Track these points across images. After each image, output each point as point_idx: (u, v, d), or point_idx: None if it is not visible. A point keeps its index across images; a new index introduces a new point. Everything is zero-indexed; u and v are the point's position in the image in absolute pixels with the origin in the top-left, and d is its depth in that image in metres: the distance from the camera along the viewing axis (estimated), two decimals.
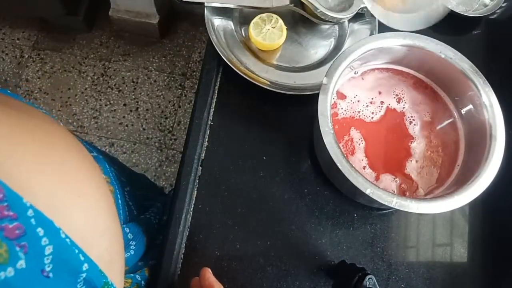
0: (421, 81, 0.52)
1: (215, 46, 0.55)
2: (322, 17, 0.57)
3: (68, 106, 1.38)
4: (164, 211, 0.55)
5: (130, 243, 0.42)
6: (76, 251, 0.24)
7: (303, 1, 0.56)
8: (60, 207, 0.24)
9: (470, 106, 0.47)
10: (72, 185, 0.26)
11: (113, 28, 1.46)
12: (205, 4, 0.57)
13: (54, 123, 0.30)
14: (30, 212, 0.21)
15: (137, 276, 0.44)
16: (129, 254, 0.41)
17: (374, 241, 0.50)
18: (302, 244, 0.49)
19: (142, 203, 0.51)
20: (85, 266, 0.24)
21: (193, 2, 0.58)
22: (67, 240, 0.23)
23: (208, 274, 0.39)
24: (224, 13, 0.59)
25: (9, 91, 0.36)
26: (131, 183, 0.49)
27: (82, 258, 0.24)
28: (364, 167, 0.48)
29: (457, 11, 0.61)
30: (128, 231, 0.42)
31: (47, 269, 0.22)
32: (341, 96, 0.50)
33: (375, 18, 0.59)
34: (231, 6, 0.58)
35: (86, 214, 0.27)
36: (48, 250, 0.22)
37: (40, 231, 0.21)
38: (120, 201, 0.43)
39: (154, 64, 1.45)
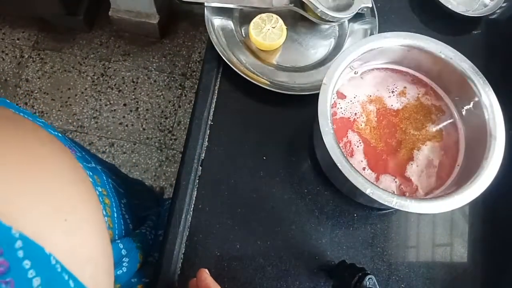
0: (421, 81, 0.52)
1: (215, 46, 0.55)
2: (323, 17, 0.57)
3: (68, 106, 1.38)
4: (159, 224, 0.54)
5: (123, 259, 0.41)
6: (66, 277, 0.23)
7: (304, 1, 0.56)
8: (48, 232, 0.23)
9: (470, 106, 0.47)
10: (60, 209, 0.26)
11: (113, 28, 1.46)
12: (205, 4, 0.57)
13: (45, 138, 0.30)
14: (18, 244, 0.21)
15: None
16: (121, 271, 0.40)
17: (374, 241, 0.50)
18: (302, 244, 0.49)
19: (139, 214, 0.51)
20: None
21: (193, 2, 0.58)
22: (57, 266, 0.23)
23: (205, 275, 0.38)
24: (224, 13, 0.59)
25: None
26: (129, 194, 0.49)
27: (72, 285, 0.23)
28: (364, 168, 0.48)
29: (457, 11, 0.61)
30: (121, 247, 0.41)
31: None
32: (341, 96, 0.50)
33: (375, 18, 0.59)
34: (231, 6, 0.58)
35: (72, 239, 0.26)
36: (36, 282, 0.21)
37: (27, 263, 0.21)
38: (116, 215, 0.42)
39: (154, 64, 1.45)
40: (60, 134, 0.36)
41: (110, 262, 0.31)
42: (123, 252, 0.41)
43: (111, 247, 0.33)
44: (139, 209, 0.51)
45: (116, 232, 0.41)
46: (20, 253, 0.21)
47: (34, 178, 0.25)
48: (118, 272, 0.39)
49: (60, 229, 0.25)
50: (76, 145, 0.41)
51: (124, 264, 0.41)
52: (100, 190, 0.39)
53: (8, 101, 0.34)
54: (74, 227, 0.26)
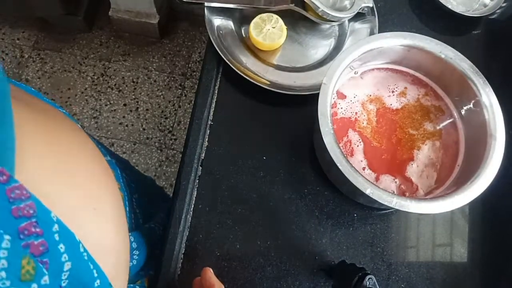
0: (421, 81, 0.52)
1: (215, 46, 0.55)
2: (324, 17, 0.57)
3: (68, 106, 1.38)
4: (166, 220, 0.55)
5: (134, 252, 0.42)
6: (91, 266, 0.24)
7: (305, 0, 0.56)
8: (79, 220, 0.24)
9: (470, 106, 0.47)
10: (90, 197, 0.26)
11: (113, 28, 1.46)
12: (205, 4, 0.57)
13: (74, 128, 0.30)
14: (55, 227, 0.21)
15: (137, 287, 0.44)
16: (131, 263, 0.41)
17: (374, 241, 0.50)
18: (302, 244, 0.49)
19: (148, 209, 0.51)
20: (97, 283, 0.24)
21: (193, 2, 0.58)
22: (85, 254, 0.23)
23: (209, 274, 0.39)
24: (224, 13, 0.59)
25: (28, 86, 0.35)
26: (140, 189, 0.49)
27: (95, 274, 0.24)
28: (364, 168, 0.48)
29: (457, 11, 0.61)
30: (132, 239, 0.42)
31: (63, 284, 0.22)
32: (341, 96, 0.50)
33: (375, 17, 0.59)
34: (231, 6, 0.58)
35: (99, 228, 0.26)
36: (67, 266, 0.22)
37: (62, 247, 0.22)
38: (127, 208, 0.43)
39: (154, 64, 1.45)
40: (79, 125, 0.36)
41: (128, 253, 0.32)
42: (134, 245, 0.42)
43: (129, 239, 0.33)
44: (148, 205, 0.52)
45: (128, 226, 0.42)
46: (56, 236, 0.21)
47: (68, 165, 0.26)
48: (129, 265, 0.40)
49: (90, 217, 0.25)
50: (92, 137, 0.42)
51: (134, 257, 0.42)
52: (116, 184, 0.40)
53: (33, 89, 0.34)
54: (101, 216, 0.27)
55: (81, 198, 0.25)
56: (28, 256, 0.19)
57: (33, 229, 0.20)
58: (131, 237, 0.41)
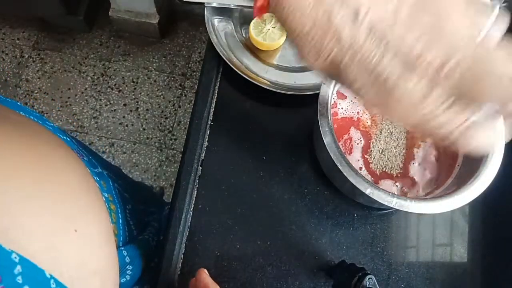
0: None
1: (215, 46, 0.55)
2: None
3: (68, 106, 1.38)
4: (160, 230, 0.54)
5: (127, 267, 0.40)
6: None
7: None
8: (58, 244, 0.23)
9: None
10: (70, 219, 0.25)
11: (113, 28, 1.46)
12: (205, 4, 0.57)
13: (53, 143, 0.29)
14: (17, 269, 0.20)
15: None
16: (124, 279, 0.40)
17: (374, 241, 0.50)
18: (302, 244, 0.49)
19: (142, 218, 0.50)
20: None
21: (193, 2, 0.58)
22: None
23: (204, 275, 0.38)
24: (224, 13, 0.59)
25: (12, 101, 0.34)
26: (133, 199, 0.48)
27: None
28: (360, 168, 0.48)
29: None
30: (125, 254, 0.40)
31: None
32: (341, 96, 0.50)
33: None
34: (231, 6, 0.58)
35: (81, 251, 0.25)
36: None
37: None
38: (121, 220, 0.41)
39: (154, 64, 1.45)
40: (68, 138, 0.35)
41: (116, 272, 0.31)
42: (127, 259, 0.40)
43: (117, 257, 0.32)
44: (142, 214, 0.51)
45: (121, 239, 0.41)
46: (19, 279, 0.20)
47: (45, 187, 0.24)
48: (122, 280, 0.38)
49: (70, 240, 0.24)
50: (83, 148, 0.41)
51: (128, 272, 0.40)
52: (107, 195, 0.39)
53: (20, 103, 0.33)
54: (84, 238, 0.26)
55: (61, 221, 0.24)
56: None
57: None
58: (124, 251, 0.40)
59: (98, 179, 0.36)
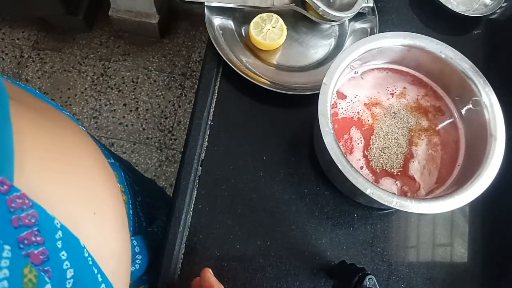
0: (421, 81, 0.52)
1: (215, 46, 0.55)
2: (324, 16, 0.57)
3: (68, 106, 1.38)
4: None
5: (137, 256, 0.41)
6: (96, 271, 0.24)
7: (306, 0, 0.56)
8: (79, 225, 0.24)
9: (470, 106, 0.47)
10: (90, 201, 0.26)
11: (113, 28, 1.46)
12: (205, 4, 0.57)
13: (75, 129, 0.30)
14: (58, 234, 0.21)
15: None
16: (134, 268, 0.41)
17: (374, 241, 0.50)
18: (302, 244, 0.49)
19: (151, 212, 0.51)
20: (102, 287, 0.24)
21: (193, 2, 0.58)
22: (89, 259, 0.23)
23: (208, 274, 0.39)
24: (224, 13, 0.59)
25: (28, 87, 0.35)
26: (143, 192, 0.49)
27: (100, 279, 0.24)
28: (361, 167, 0.48)
29: (457, 11, 0.61)
30: (135, 244, 0.41)
31: None
32: (341, 96, 0.50)
33: (375, 17, 0.59)
34: (231, 5, 0.58)
35: (99, 233, 0.26)
36: (70, 273, 0.22)
37: (64, 254, 0.22)
38: (131, 211, 0.42)
39: (154, 64, 1.45)
40: (83, 128, 0.36)
41: (129, 257, 0.32)
42: (137, 249, 0.41)
43: (130, 243, 0.33)
44: (150, 208, 0.52)
45: (131, 229, 0.41)
46: (59, 244, 0.21)
47: (69, 170, 0.25)
48: (131, 269, 0.40)
49: (89, 222, 0.25)
50: (95, 140, 0.41)
51: (137, 261, 0.41)
52: (119, 186, 0.39)
53: (39, 92, 0.34)
54: (101, 221, 0.27)
55: (82, 203, 0.25)
56: (29, 265, 0.19)
57: (33, 238, 0.20)
58: (134, 241, 0.41)
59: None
